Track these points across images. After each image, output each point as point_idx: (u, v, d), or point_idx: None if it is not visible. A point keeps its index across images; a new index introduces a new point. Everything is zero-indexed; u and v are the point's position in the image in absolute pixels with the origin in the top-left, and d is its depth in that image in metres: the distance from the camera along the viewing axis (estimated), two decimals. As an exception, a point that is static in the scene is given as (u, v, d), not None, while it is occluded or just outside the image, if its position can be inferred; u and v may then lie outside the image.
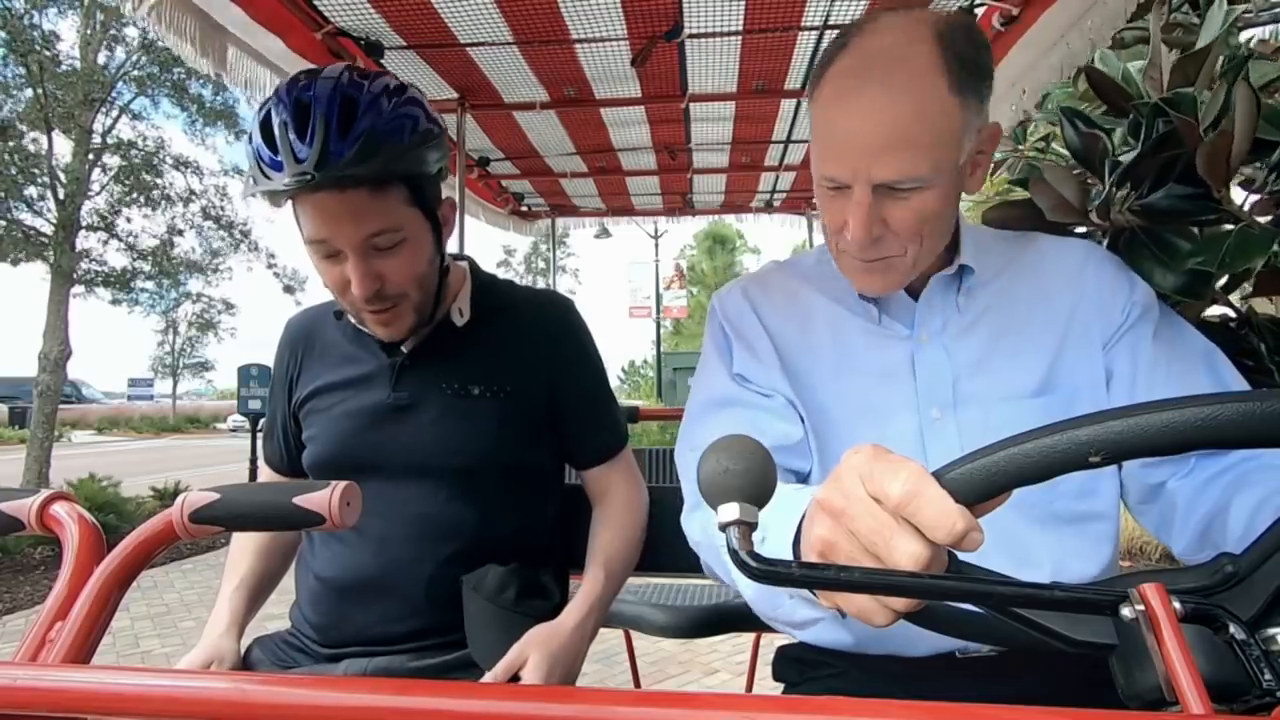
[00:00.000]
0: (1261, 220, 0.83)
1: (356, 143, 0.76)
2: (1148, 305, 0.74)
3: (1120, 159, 0.92)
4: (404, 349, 0.94)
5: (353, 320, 0.96)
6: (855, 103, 0.63)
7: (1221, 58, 0.98)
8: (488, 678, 0.82)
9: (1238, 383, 0.69)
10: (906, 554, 0.38)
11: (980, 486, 0.38)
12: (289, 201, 0.82)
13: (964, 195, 0.74)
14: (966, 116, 0.64)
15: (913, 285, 0.76)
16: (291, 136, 0.76)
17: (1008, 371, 0.73)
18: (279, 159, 0.76)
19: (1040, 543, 0.69)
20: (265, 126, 0.78)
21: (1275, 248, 0.75)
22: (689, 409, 0.81)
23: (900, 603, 0.41)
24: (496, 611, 0.87)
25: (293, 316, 1.06)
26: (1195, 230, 0.85)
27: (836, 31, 1.78)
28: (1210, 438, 0.34)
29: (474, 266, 1.02)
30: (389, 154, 0.78)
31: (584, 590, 0.94)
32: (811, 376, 0.77)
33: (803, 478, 0.75)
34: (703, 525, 0.73)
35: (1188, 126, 0.81)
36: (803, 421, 0.75)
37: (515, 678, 0.83)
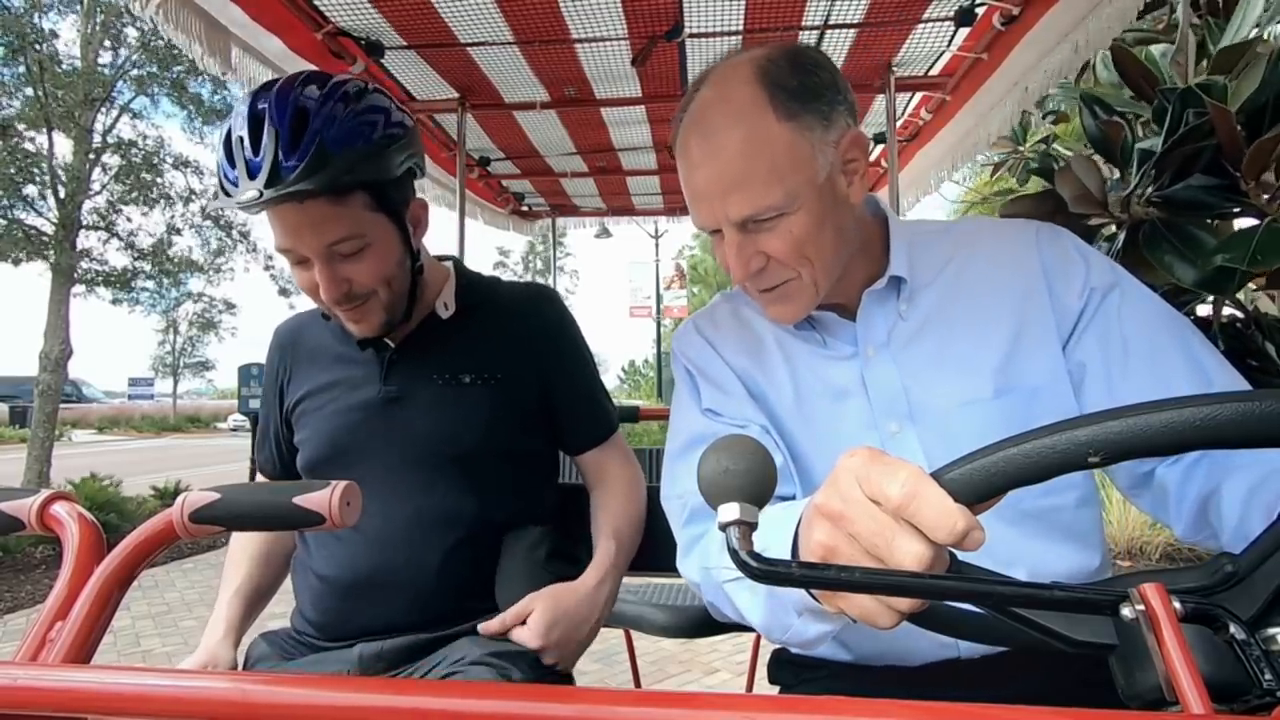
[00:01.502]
0: None
1: (305, 157, 0.75)
2: (1108, 285, 0.70)
3: (1140, 148, 0.90)
4: (391, 343, 0.95)
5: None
6: (694, 155, 0.69)
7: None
8: (492, 624, 0.85)
9: (1212, 359, 0.66)
10: (909, 554, 0.38)
11: (980, 487, 0.38)
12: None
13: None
14: (809, 137, 0.66)
15: (850, 302, 0.76)
16: (246, 152, 0.77)
17: (962, 375, 0.71)
18: (235, 174, 0.77)
19: (1014, 542, 0.69)
20: (227, 141, 0.79)
21: None
22: (667, 455, 0.80)
23: (904, 603, 0.41)
24: (524, 566, 0.90)
25: (281, 323, 1.07)
26: (1210, 224, 0.84)
27: (837, 31, 1.77)
28: (1209, 438, 0.34)
29: (459, 265, 1.04)
30: (340, 165, 0.77)
31: (598, 558, 0.95)
32: (773, 404, 0.77)
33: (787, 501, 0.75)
34: (700, 564, 0.71)
35: (1222, 115, 0.78)
36: (780, 448, 0.74)
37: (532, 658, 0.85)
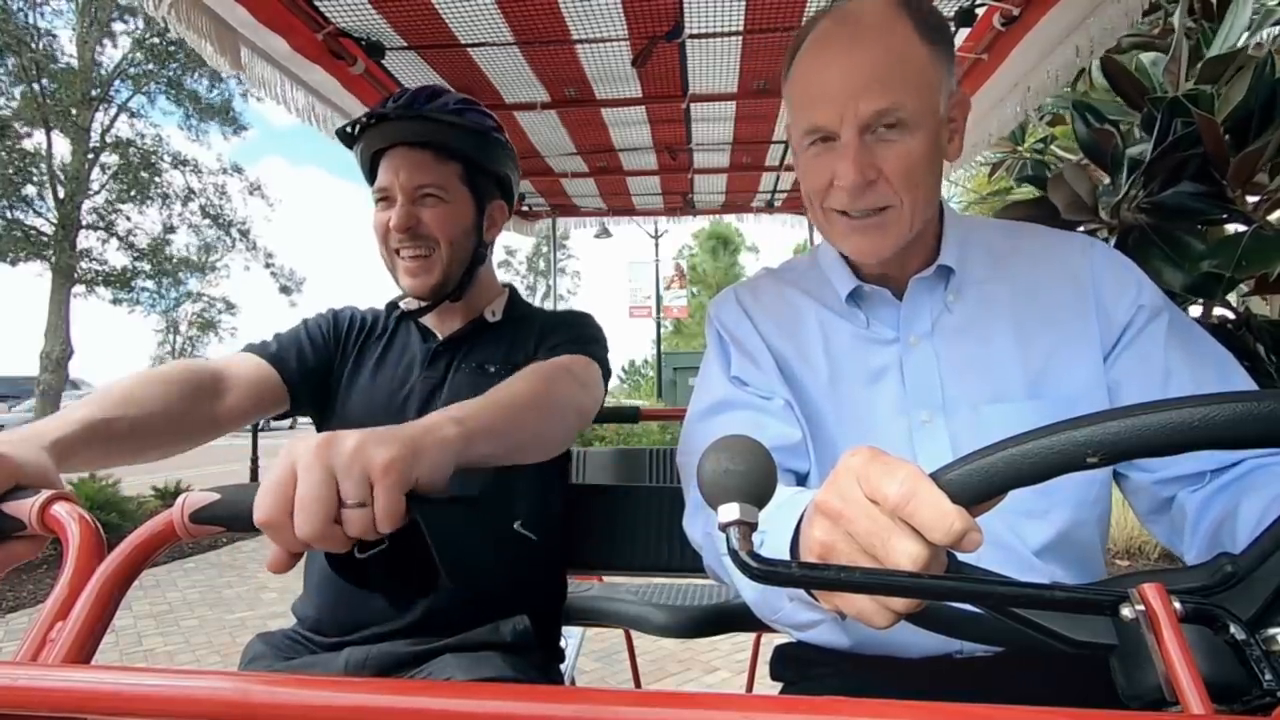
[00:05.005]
0: (1272, 219, 0.83)
1: (436, 106, 0.97)
2: (1157, 308, 0.71)
3: (1130, 155, 0.92)
4: (439, 335, 1.04)
5: (403, 305, 1.06)
6: (831, 55, 0.67)
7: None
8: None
9: (1251, 388, 0.67)
10: (905, 554, 0.38)
11: (978, 488, 0.38)
12: (372, 181, 1.00)
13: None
14: (938, 70, 0.68)
15: (900, 281, 0.76)
16: (390, 100, 0.97)
17: (999, 373, 0.72)
18: (375, 113, 0.96)
19: (1026, 531, 0.69)
20: (372, 108, 0.99)
21: None
22: (689, 416, 0.81)
23: (900, 604, 0.41)
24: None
25: (354, 309, 1.13)
26: (1200, 229, 0.86)
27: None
28: (1206, 438, 0.34)
29: (514, 290, 1.13)
30: (456, 130, 0.97)
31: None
32: (805, 382, 0.77)
33: (801, 478, 0.75)
34: (704, 528, 0.73)
35: (1209, 125, 0.81)
36: (800, 424, 0.75)
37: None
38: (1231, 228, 0.90)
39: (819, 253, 0.84)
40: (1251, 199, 0.87)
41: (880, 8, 0.67)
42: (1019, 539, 0.70)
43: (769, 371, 0.77)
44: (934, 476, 0.39)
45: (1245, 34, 0.95)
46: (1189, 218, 0.87)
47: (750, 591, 0.64)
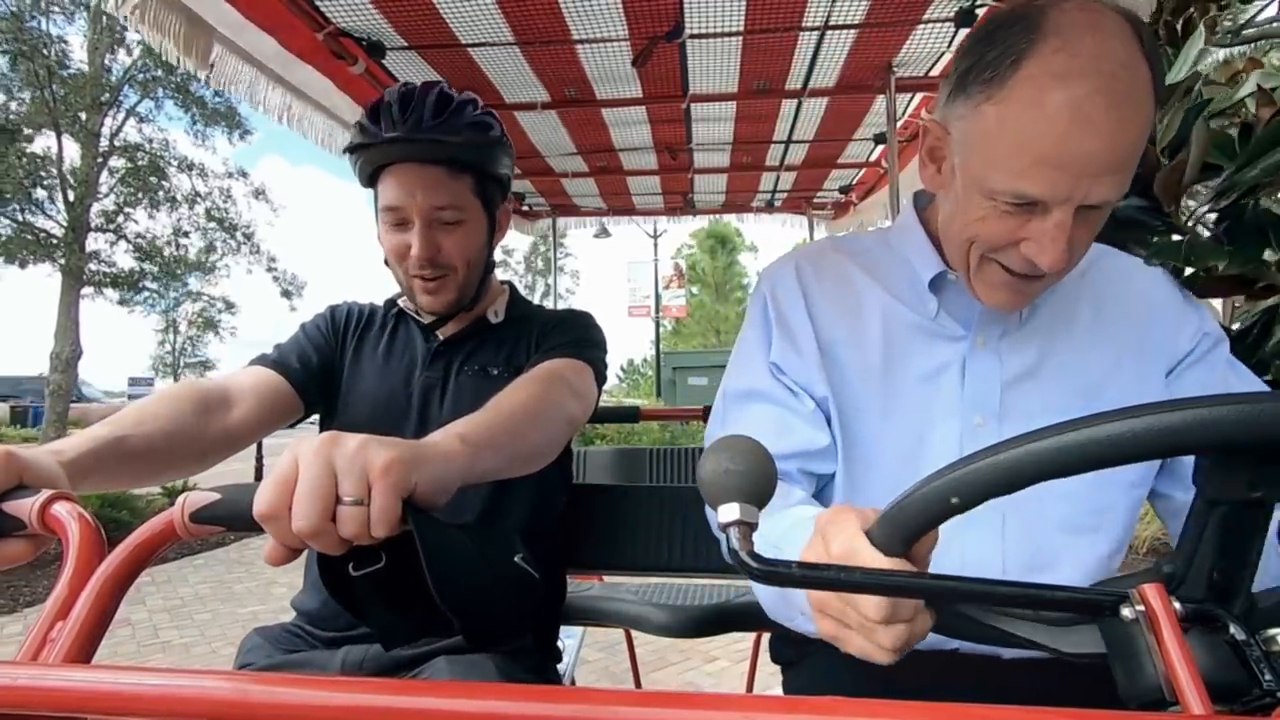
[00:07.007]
0: (1203, 233, 0.95)
1: (444, 123, 0.93)
2: (1219, 338, 0.73)
3: None
4: (440, 335, 1.03)
5: (402, 305, 1.06)
6: (1083, 116, 0.54)
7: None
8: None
9: None
10: (871, 605, 0.41)
11: (897, 535, 0.41)
12: (369, 186, 0.97)
13: None
14: None
15: None
16: (395, 111, 0.93)
17: (1057, 385, 0.71)
18: (379, 128, 0.92)
19: (1063, 549, 0.70)
20: (374, 109, 0.95)
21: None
22: (721, 397, 0.78)
23: (890, 641, 0.43)
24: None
25: (341, 303, 1.11)
26: (1151, 239, 0.97)
27: (837, 32, 1.75)
28: (1038, 472, 0.36)
29: (513, 288, 1.13)
30: (465, 141, 0.94)
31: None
32: (853, 369, 0.74)
33: (825, 480, 0.74)
34: None
35: (1147, 151, 0.89)
36: (830, 423, 0.73)
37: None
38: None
39: (892, 235, 0.79)
40: (1202, 210, 0.99)
41: (1129, 50, 0.55)
42: (1070, 561, 0.69)
43: (808, 358, 0.74)
44: (867, 533, 0.42)
45: (1191, 65, 1.07)
46: (1136, 230, 0.98)
47: (765, 596, 0.63)
